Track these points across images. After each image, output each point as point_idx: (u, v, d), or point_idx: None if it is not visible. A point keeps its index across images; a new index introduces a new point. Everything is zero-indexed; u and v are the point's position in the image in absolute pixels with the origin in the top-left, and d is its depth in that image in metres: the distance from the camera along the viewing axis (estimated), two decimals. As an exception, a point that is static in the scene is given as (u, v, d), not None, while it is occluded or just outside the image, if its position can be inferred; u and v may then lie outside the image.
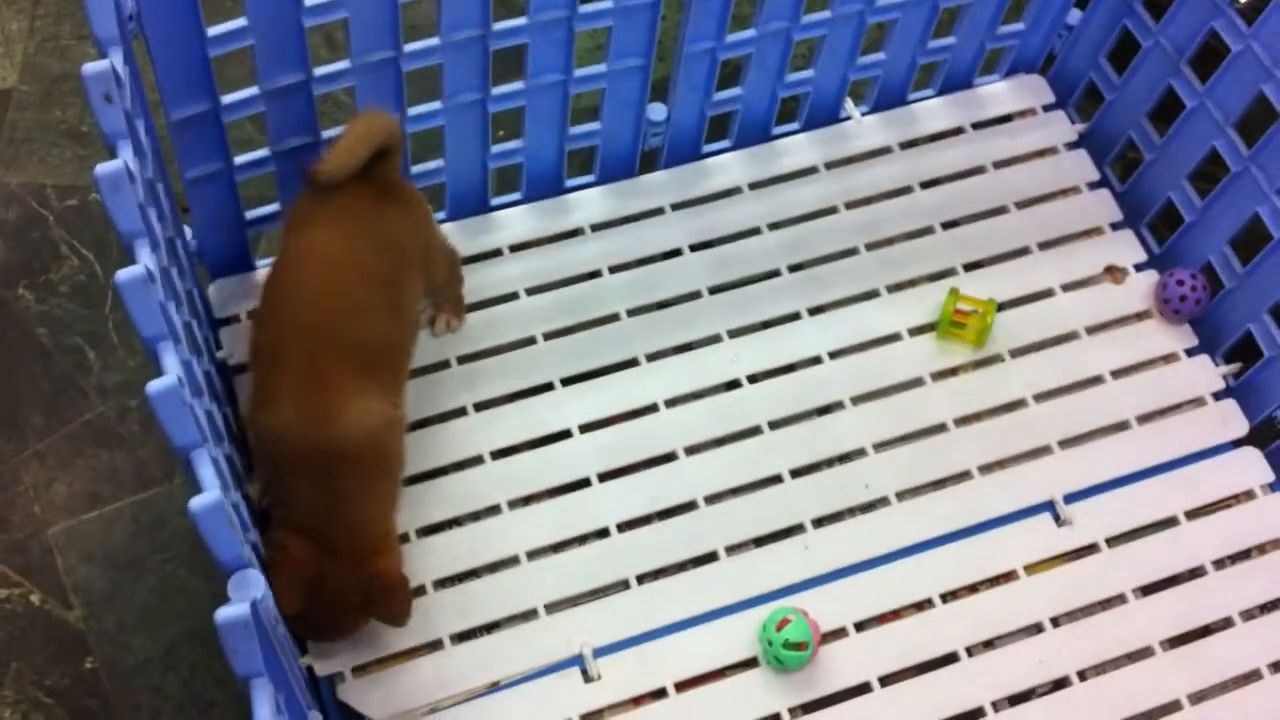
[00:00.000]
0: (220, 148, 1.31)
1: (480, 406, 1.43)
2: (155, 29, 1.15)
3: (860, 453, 1.45)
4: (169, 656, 1.34)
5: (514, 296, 1.49)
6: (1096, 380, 1.51)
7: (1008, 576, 1.40)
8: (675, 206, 1.56)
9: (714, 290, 1.51)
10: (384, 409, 1.23)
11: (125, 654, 1.33)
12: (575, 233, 1.53)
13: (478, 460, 1.40)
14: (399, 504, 1.28)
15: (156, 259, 1.01)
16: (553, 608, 1.35)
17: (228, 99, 1.26)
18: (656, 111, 1.51)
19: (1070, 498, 1.44)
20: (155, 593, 1.36)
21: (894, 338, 1.51)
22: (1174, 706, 1.35)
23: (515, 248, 1.52)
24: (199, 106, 1.25)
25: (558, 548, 1.38)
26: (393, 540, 1.27)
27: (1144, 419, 1.49)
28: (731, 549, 1.39)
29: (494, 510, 1.38)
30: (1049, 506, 1.43)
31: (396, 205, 1.30)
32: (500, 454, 1.41)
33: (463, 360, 1.45)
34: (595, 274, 1.51)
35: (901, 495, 1.43)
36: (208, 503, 0.86)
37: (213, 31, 1.19)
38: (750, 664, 1.34)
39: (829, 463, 1.44)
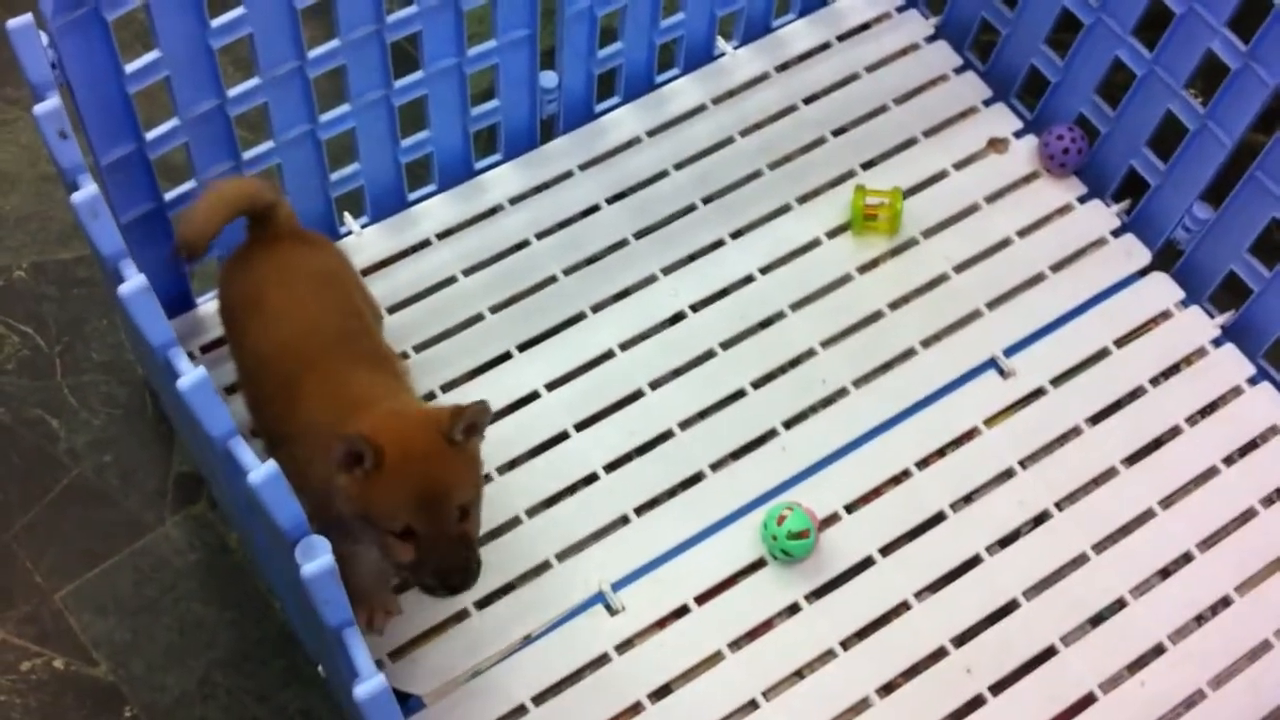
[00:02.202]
0: (151, 186, 1.33)
1: (446, 388, 1.48)
2: (77, 73, 1.18)
3: (810, 353, 1.52)
4: (204, 686, 1.35)
5: (453, 280, 1.54)
6: (1005, 243, 1.60)
7: (970, 434, 1.49)
8: (583, 166, 1.62)
9: (639, 235, 1.58)
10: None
11: (161, 694, 1.34)
12: (495, 209, 1.58)
13: (457, 437, 1.44)
14: None
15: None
16: (563, 555, 1.39)
17: (152, 134, 1.29)
18: (548, 79, 1.57)
19: (1009, 351, 1.53)
20: (174, 630, 1.37)
21: (814, 244, 1.59)
22: (1148, 515, 1.45)
23: (442, 234, 1.56)
24: (126, 147, 1.28)
25: (553, 500, 1.43)
26: None
27: (1056, 267, 1.59)
28: (715, 465, 1.45)
29: (484, 479, 1.42)
30: (992, 364, 1.53)
31: (314, 246, 1.35)
32: (476, 427, 1.45)
33: (419, 348, 1.49)
34: (524, 244, 1.56)
35: (857, 383, 1.51)
36: (266, 473, 0.89)
37: (130, 68, 1.22)
38: (759, 565, 1.40)
39: (784, 368, 1.51)
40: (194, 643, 1.37)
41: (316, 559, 0.88)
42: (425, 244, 1.56)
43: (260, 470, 0.89)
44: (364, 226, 1.55)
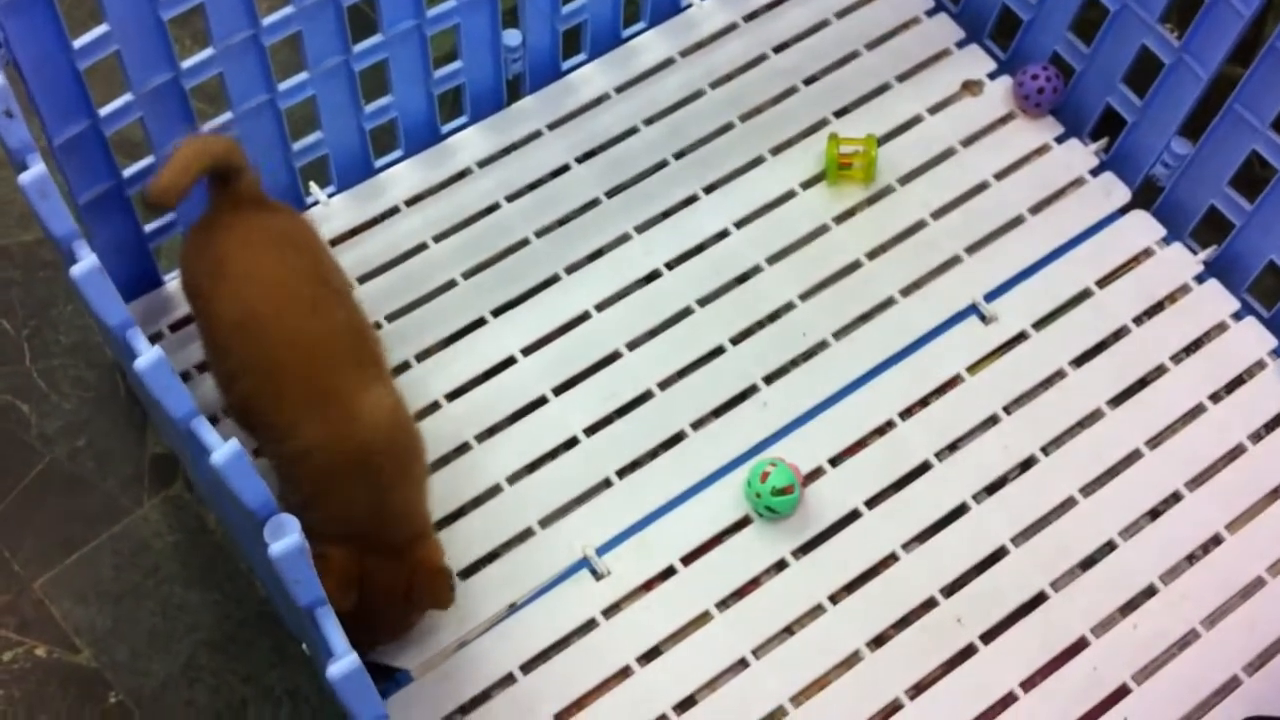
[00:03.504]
0: (108, 164, 1.31)
1: (421, 356, 1.45)
2: (24, 50, 1.15)
3: (789, 306, 1.50)
4: (190, 670, 1.34)
5: (423, 247, 1.51)
6: (983, 186, 1.58)
7: (953, 382, 1.47)
8: (551, 126, 1.59)
9: (610, 194, 1.55)
10: (388, 393, 1.24)
11: (146, 679, 1.33)
12: (464, 173, 1.56)
13: (434, 406, 1.43)
14: (429, 487, 1.28)
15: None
16: (546, 522, 1.38)
17: (105, 110, 1.26)
18: (512, 38, 1.54)
19: (989, 296, 1.51)
20: (157, 615, 1.36)
21: (789, 195, 1.57)
22: (1135, 456, 1.44)
23: (410, 201, 1.54)
24: (79, 124, 1.25)
25: (533, 467, 1.41)
26: (429, 526, 1.27)
27: (1035, 209, 1.57)
28: (696, 424, 1.43)
29: (463, 449, 1.41)
30: (973, 309, 1.51)
31: (278, 212, 1.32)
32: (453, 395, 1.44)
33: (391, 318, 1.47)
34: (494, 207, 1.54)
35: (837, 335, 1.49)
36: (229, 453, 0.87)
37: (78, 43, 1.19)
38: (744, 523, 1.39)
39: (762, 323, 1.49)
40: (177, 626, 1.35)
41: (285, 537, 0.86)
42: (394, 211, 1.53)
43: (222, 450, 0.87)
44: (330, 196, 1.53)
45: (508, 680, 1.30)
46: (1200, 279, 1.54)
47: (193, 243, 1.30)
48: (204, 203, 1.30)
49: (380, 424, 1.20)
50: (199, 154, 1.25)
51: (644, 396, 1.45)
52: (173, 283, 1.46)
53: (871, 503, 1.40)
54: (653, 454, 1.42)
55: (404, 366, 1.44)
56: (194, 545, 1.39)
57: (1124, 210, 1.58)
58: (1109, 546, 1.40)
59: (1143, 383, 1.48)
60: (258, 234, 1.26)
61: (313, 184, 1.52)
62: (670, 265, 1.52)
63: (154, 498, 1.41)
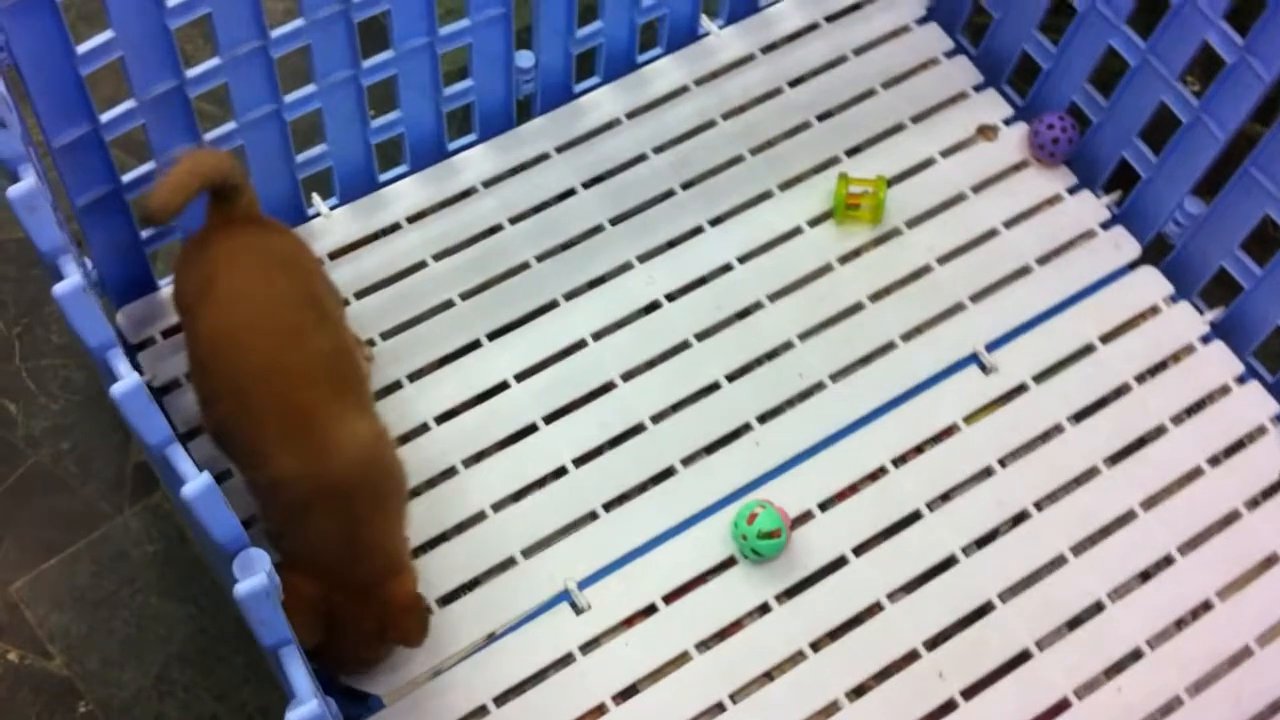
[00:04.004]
0: (107, 169, 1.30)
1: (413, 377, 1.44)
2: (25, 54, 1.14)
3: (788, 345, 1.48)
4: (161, 683, 1.33)
5: (422, 265, 1.50)
6: (992, 233, 1.56)
7: (949, 431, 1.46)
8: (560, 149, 1.58)
9: (614, 221, 1.54)
10: (369, 425, 1.23)
11: (117, 690, 1.32)
12: (468, 192, 1.55)
13: (423, 429, 1.41)
14: (407, 517, 1.26)
15: (82, 275, 1.01)
16: (529, 552, 1.36)
17: (106, 116, 1.25)
18: (524, 59, 1.53)
19: (991, 346, 1.50)
20: (132, 625, 1.35)
21: (795, 232, 1.55)
22: (1129, 516, 1.42)
23: (413, 218, 1.52)
24: (79, 129, 1.24)
25: (519, 495, 1.39)
26: (405, 560, 1.25)
27: (1043, 260, 1.55)
28: (687, 460, 1.42)
29: (450, 473, 1.40)
30: (973, 358, 1.49)
31: (274, 233, 1.31)
32: (443, 418, 1.42)
33: (386, 336, 1.46)
34: (497, 228, 1.53)
35: (835, 377, 1.47)
36: (200, 486, 0.86)
37: (81, 49, 1.18)
38: (729, 564, 1.37)
39: (760, 361, 1.48)
40: (151, 637, 1.34)
41: (252, 576, 0.85)
42: (395, 227, 1.52)
43: (194, 483, 0.86)
44: (332, 208, 1.51)
45: (480, 712, 1.29)
46: (1206, 340, 1.52)
47: (186, 257, 1.28)
48: (204, 213, 1.29)
49: (355, 459, 1.18)
50: (196, 171, 1.23)
51: (636, 429, 1.43)
52: (168, 288, 1.45)
53: (859, 550, 1.39)
54: (641, 488, 1.41)
55: (395, 386, 1.43)
56: (172, 556, 1.38)
57: (1133, 265, 1.56)
58: (1097, 607, 1.38)
59: (1141, 442, 1.47)
60: (249, 255, 1.25)
61: (315, 195, 1.51)
62: (671, 297, 1.50)
63: (135, 505, 1.40)
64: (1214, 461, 1.46)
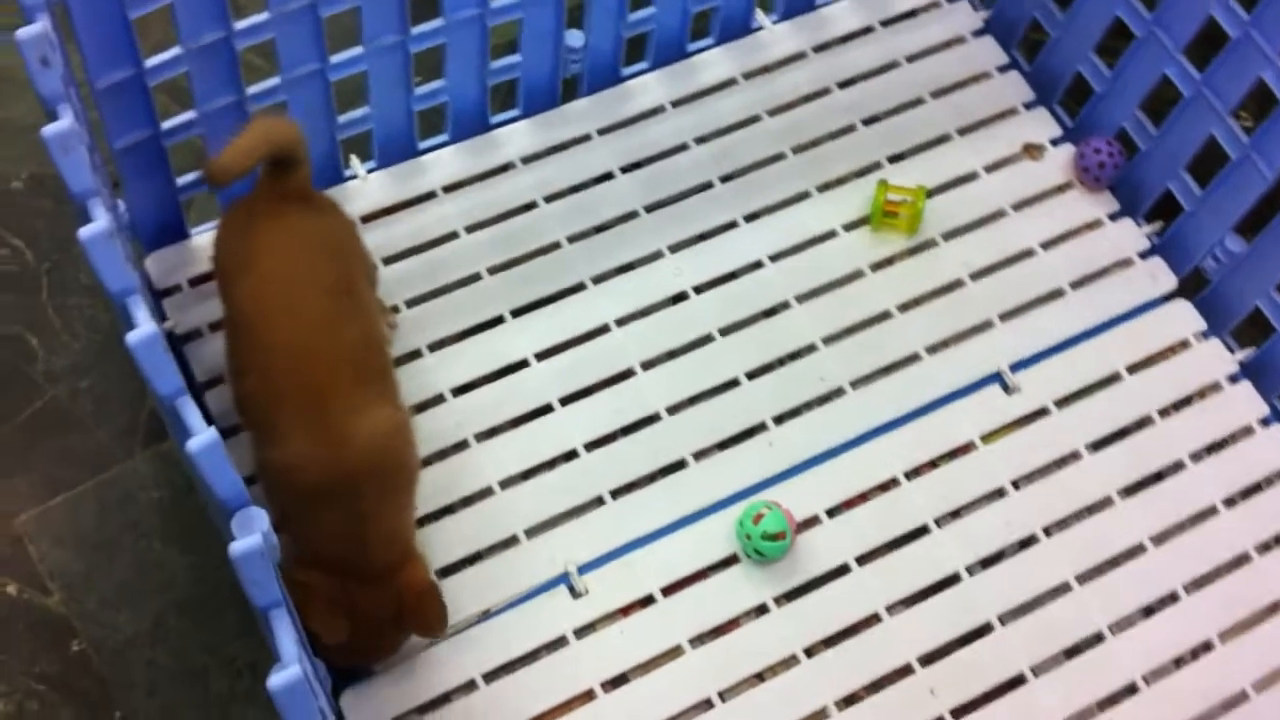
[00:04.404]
0: (148, 113, 1.30)
1: (434, 347, 1.44)
2: (74, -7, 1.14)
3: (811, 348, 1.48)
4: (156, 630, 1.33)
5: (454, 236, 1.50)
6: (1028, 253, 1.55)
7: (966, 448, 1.45)
8: (601, 131, 1.57)
9: (649, 208, 1.53)
10: (391, 414, 1.22)
11: (112, 632, 1.33)
12: (506, 167, 1.54)
13: (439, 399, 1.41)
14: (415, 510, 1.26)
15: (110, 219, 1.01)
16: (532, 532, 1.36)
17: (151, 61, 1.25)
18: (574, 38, 1.52)
19: (1016, 366, 1.48)
20: (132, 569, 1.36)
21: (830, 235, 1.54)
22: (1138, 550, 1.41)
23: (449, 188, 1.52)
24: (124, 72, 1.24)
25: (529, 474, 1.39)
26: (415, 547, 1.24)
27: (1077, 284, 1.54)
28: (698, 454, 1.41)
29: (462, 446, 1.40)
30: (997, 377, 1.48)
31: (323, 212, 1.30)
32: (460, 390, 1.42)
33: (411, 304, 1.46)
34: (531, 205, 1.52)
35: (855, 383, 1.46)
36: (205, 441, 0.86)
37: (131, -8, 1.18)
38: (731, 561, 1.37)
39: (781, 361, 1.47)
40: (150, 583, 1.35)
41: (248, 535, 0.85)
42: (430, 195, 1.52)
43: (199, 438, 0.86)
44: (369, 171, 1.51)
45: (469, 687, 1.29)
46: (1234, 379, 1.50)
47: (231, 222, 1.28)
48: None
49: (372, 449, 1.17)
50: (266, 138, 1.22)
51: (651, 418, 1.43)
52: (199, 236, 1.45)
53: (863, 559, 1.38)
54: (650, 478, 1.40)
55: (415, 354, 1.43)
56: (179, 504, 1.39)
57: (1167, 298, 1.54)
58: (1097, 637, 1.37)
59: (1158, 476, 1.45)
60: (294, 235, 1.24)
61: (353, 157, 1.51)
62: (699, 289, 1.50)
63: (147, 450, 1.41)
64: (1230, 502, 1.44)
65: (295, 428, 1.16)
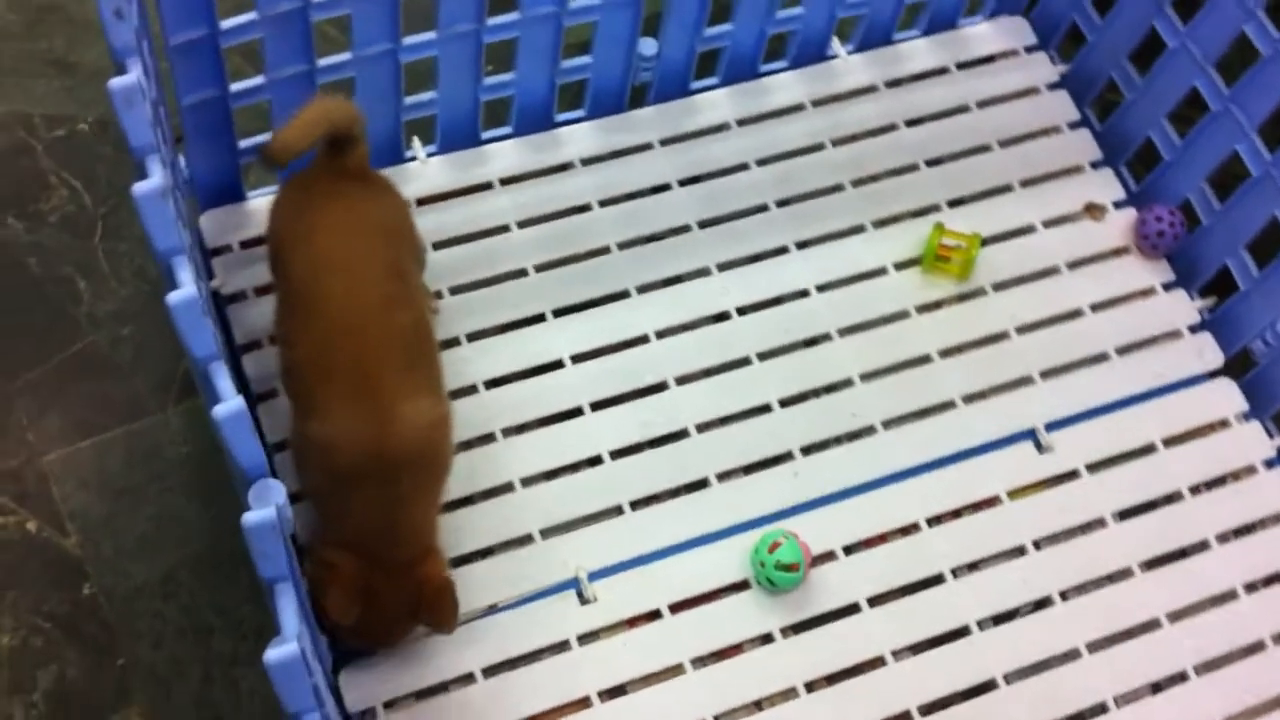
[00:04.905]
0: (217, 74, 1.31)
1: (473, 337, 1.44)
2: (158, -50, 1.15)
3: (847, 382, 1.47)
4: (168, 583, 1.34)
5: (505, 229, 1.50)
6: (1076, 313, 1.54)
7: (991, 501, 1.44)
8: (664, 142, 1.57)
9: (703, 224, 1.53)
10: (434, 405, 1.22)
11: (124, 580, 1.34)
12: (565, 166, 1.54)
13: (471, 389, 1.42)
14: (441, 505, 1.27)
15: (166, 177, 1.02)
16: (548, 533, 1.36)
17: (227, 24, 1.26)
18: (647, 46, 1.52)
19: (1052, 426, 1.47)
20: (152, 520, 1.37)
21: (880, 271, 1.53)
22: (1153, 624, 1.39)
23: (506, 181, 1.53)
24: (198, 31, 1.25)
25: (551, 475, 1.39)
26: (437, 544, 1.25)
27: (1123, 350, 1.52)
28: (722, 476, 1.41)
29: (488, 438, 1.40)
30: (1031, 434, 1.47)
31: (382, 193, 1.31)
32: (493, 383, 1.42)
33: (455, 291, 1.46)
34: (585, 207, 1.52)
35: (888, 423, 1.46)
36: (231, 409, 0.87)
37: (214, -46, 1.19)
38: (742, 586, 1.36)
39: (816, 392, 1.47)
40: (168, 537, 1.36)
41: (263, 507, 0.86)
42: (487, 186, 1.52)
43: (226, 405, 0.87)
44: (429, 155, 1.52)
45: (467, 679, 1.29)
46: (1270, 464, 1.49)
47: (288, 197, 1.28)
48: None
49: (412, 437, 1.17)
50: (325, 117, 1.23)
51: (679, 434, 1.43)
52: (255, 200, 1.46)
53: (875, 600, 1.37)
54: (672, 493, 1.40)
55: (453, 342, 1.43)
56: (205, 462, 1.40)
57: (1212, 375, 1.52)
58: (1101, 708, 1.36)
59: (1183, 553, 1.44)
60: (352, 214, 1.25)
61: (415, 139, 1.51)
62: (742, 310, 1.49)
63: (180, 405, 1.42)
64: (1251, 588, 1.43)
65: (339, 405, 1.16)
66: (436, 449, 1.22)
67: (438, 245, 1.47)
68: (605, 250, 1.50)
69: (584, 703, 1.30)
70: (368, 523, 1.18)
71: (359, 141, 1.27)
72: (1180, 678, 1.38)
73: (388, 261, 1.25)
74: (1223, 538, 1.45)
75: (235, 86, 1.33)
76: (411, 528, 1.20)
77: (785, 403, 1.45)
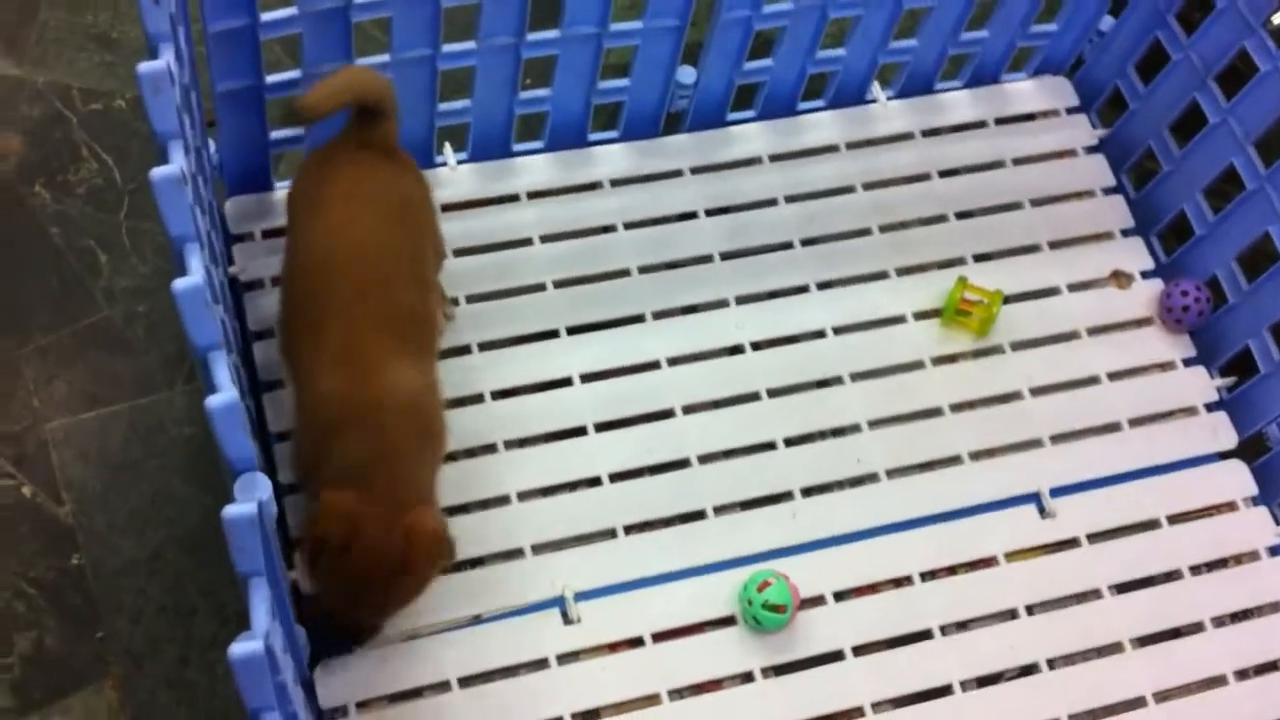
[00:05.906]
0: (254, 64, 1.32)
1: (485, 346, 1.45)
2: (204, -64, 1.16)
3: (855, 428, 1.46)
4: (155, 561, 1.35)
5: (528, 242, 1.50)
6: (1093, 380, 1.53)
7: (987, 562, 1.42)
8: (695, 170, 1.57)
9: (725, 256, 1.53)
10: (420, 375, 1.22)
11: (112, 554, 1.34)
12: (594, 186, 1.54)
13: (478, 398, 1.42)
14: (439, 477, 1.25)
15: (188, 163, 1.02)
16: (539, 549, 1.36)
17: (267, 16, 1.27)
18: (686, 74, 1.52)
19: (1056, 491, 1.46)
20: (146, 497, 1.37)
21: (898, 320, 1.53)
22: (1139, 703, 1.38)
23: (533, 195, 1.53)
24: (239, 21, 1.26)
25: (548, 491, 1.39)
26: (434, 501, 1.23)
27: (1136, 422, 1.51)
28: (720, 509, 1.41)
29: (490, 449, 1.40)
30: (1034, 498, 1.45)
31: (405, 172, 1.31)
32: (501, 394, 1.42)
33: (472, 300, 1.46)
34: (610, 228, 1.52)
35: (891, 473, 1.45)
36: (224, 401, 0.87)
37: (260, -55, 1.20)
38: (728, 622, 1.36)
39: (823, 435, 1.46)
40: (160, 514, 1.36)
41: (245, 502, 0.86)
42: (514, 198, 1.52)
43: (220, 397, 0.87)
44: (460, 162, 1.52)
45: (443, 687, 1.29)
46: (1274, 551, 1.47)
47: (313, 164, 1.29)
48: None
49: (395, 390, 1.17)
50: (354, 83, 1.24)
51: (680, 463, 1.42)
52: (282, 191, 1.47)
53: (860, 650, 1.36)
54: (667, 522, 1.40)
55: (464, 350, 1.43)
56: (205, 446, 1.40)
57: (1224, 455, 1.51)
58: (1079, 782, 1.35)
59: (1176, 632, 1.42)
60: (371, 190, 1.25)
61: (447, 145, 1.52)
62: (756, 345, 1.49)
63: (187, 385, 1.42)
64: (1242, 675, 1.41)
65: (329, 366, 1.17)
66: (421, 406, 1.21)
67: (459, 252, 1.48)
68: (625, 273, 1.50)
69: (556, 723, 1.30)
70: (361, 473, 1.16)
71: (389, 117, 1.27)
72: (1161, 759, 1.37)
73: (398, 239, 1.25)
74: (1219, 621, 1.43)
75: (271, 78, 1.34)
76: (406, 482, 1.18)
77: (790, 442, 1.44)
